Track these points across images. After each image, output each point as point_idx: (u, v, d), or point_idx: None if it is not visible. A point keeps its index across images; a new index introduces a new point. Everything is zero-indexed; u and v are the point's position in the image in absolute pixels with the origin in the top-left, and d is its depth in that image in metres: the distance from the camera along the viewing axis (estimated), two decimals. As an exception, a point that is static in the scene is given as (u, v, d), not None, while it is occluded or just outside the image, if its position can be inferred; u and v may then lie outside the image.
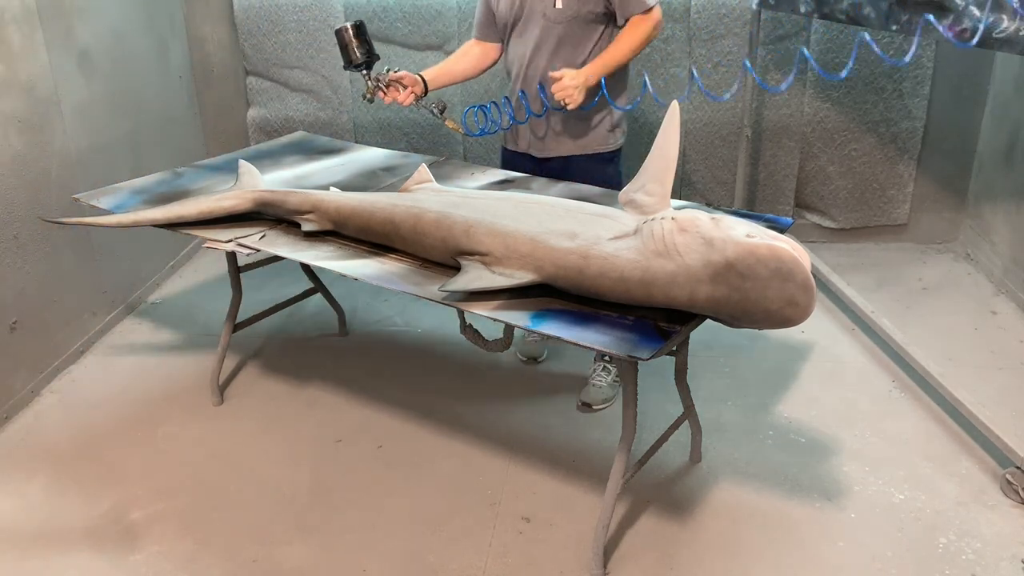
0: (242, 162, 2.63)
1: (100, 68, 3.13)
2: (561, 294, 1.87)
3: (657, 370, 2.65)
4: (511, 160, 2.68)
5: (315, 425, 2.59)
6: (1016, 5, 1.84)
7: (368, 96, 2.52)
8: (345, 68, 2.52)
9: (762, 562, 2.02)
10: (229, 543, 2.12)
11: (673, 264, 1.72)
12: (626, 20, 2.36)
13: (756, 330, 2.22)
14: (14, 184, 2.67)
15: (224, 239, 2.26)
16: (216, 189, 2.54)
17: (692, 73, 2.35)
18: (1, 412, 2.63)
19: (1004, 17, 2.01)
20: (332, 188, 2.43)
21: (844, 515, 2.16)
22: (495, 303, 1.84)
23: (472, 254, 1.95)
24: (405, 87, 2.53)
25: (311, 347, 3.08)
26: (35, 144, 2.76)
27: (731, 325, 1.77)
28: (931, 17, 2.10)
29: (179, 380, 2.85)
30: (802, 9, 2.92)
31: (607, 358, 2.68)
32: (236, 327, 2.71)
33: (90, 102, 3.07)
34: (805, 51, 2.20)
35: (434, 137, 3.82)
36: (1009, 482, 2.21)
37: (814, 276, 1.67)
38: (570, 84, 2.28)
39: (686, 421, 2.28)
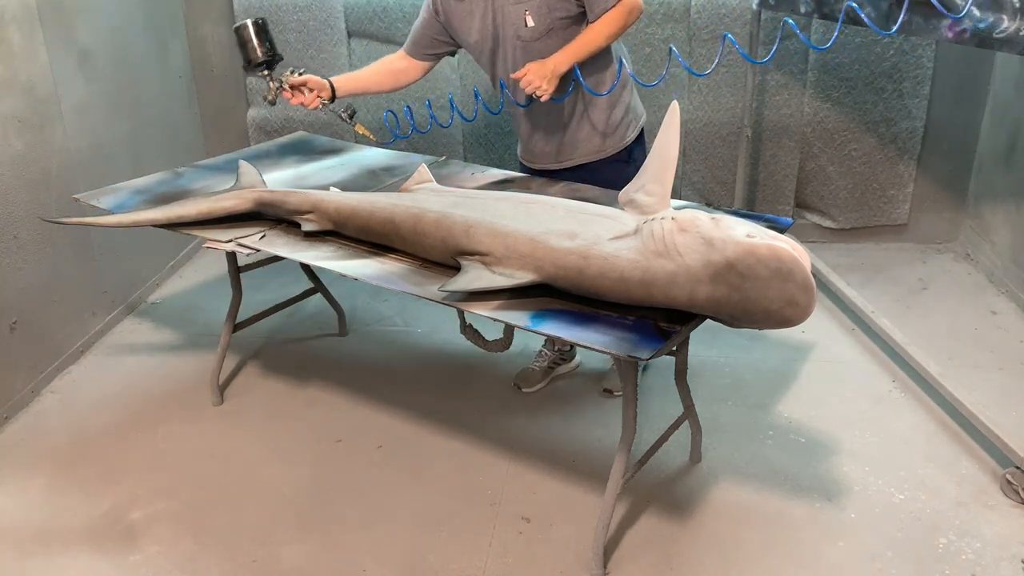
0: (242, 162, 2.63)
1: (100, 68, 3.13)
2: (561, 294, 1.87)
3: (657, 370, 2.65)
4: (526, 173, 2.62)
5: (315, 425, 2.60)
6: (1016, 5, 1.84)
7: (270, 98, 2.46)
8: (244, 69, 2.45)
9: (762, 562, 2.02)
10: (229, 543, 2.12)
11: (673, 264, 1.72)
12: (597, 18, 2.28)
13: (756, 330, 2.21)
14: (14, 184, 2.67)
15: (224, 239, 2.26)
16: (216, 189, 2.54)
17: (671, 50, 2.31)
18: (1, 412, 2.63)
19: (1004, 17, 2.01)
20: (332, 188, 2.43)
21: (844, 515, 2.16)
22: (495, 303, 1.84)
23: (472, 254, 1.95)
24: (311, 91, 2.49)
25: (311, 347, 3.08)
26: (35, 144, 2.76)
27: (731, 325, 1.77)
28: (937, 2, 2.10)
29: (179, 380, 2.85)
30: (802, 9, 2.92)
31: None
32: (236, 327, 2.71)
33: (90, 102, 3.07)
34: (790, 22, 2.20)
35: (434, 137, 3.82)
36: (1009, 482, 2.21)
37: (814, 276, 1.67)
38: (536, 75, 2.20)
39: (686, 421, 2.28)
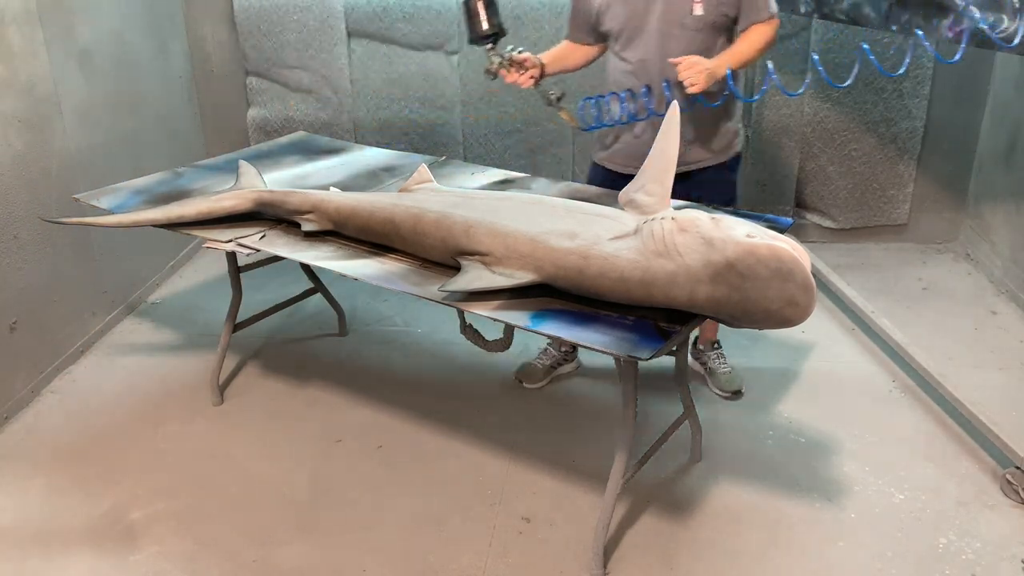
0: (242, 162, 2.63)
1: (100, 68, 3.13)
2: (561, 294, 1.87)
3: (657, 370, 2.65)
4: (607, 179, 2.51)
5: (315, 425, 2.59)
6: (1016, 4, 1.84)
7: (492, 72, 2.36)
8: (470, 42, 2.35)
9: (762, 562, 2.02)
10: (229, 543, 2.12)
11: (673, 264, 1.72)
12: (745, 28, 2.30)
13: (756, 330, 2.21)
14: (14, 184, 2.67)
15: (224, 239, 2.26)
16: (216, 189, 2.54)
17: (768, 69, 2.27)
18: (1, 412, 2.63)
19: (1004, 17, 2.01)
20: (332, 188, 2.43)
21: (844, 515, 2.16)
22: (495, 303, 1.84)
23: (472, 254, 1.95)
24: (526, 69, 2.38)
25: (311, 347, 3.08)
26: (35, 144, 2.76)
27: (731, 325, 1.77)
28: (920, 33, 2.17)
29: (179, 380, 2.85)
30: (802, 9, 2.92)
31: (716, 343, 2.75)
32: (236, 327, 2.71)
33: (90, 102, 3.07)
34: (815, 57, 2.20)
35: (434, 137, 3.82)
36: (1009, 482, 2.21)
37: (814, 276, 1.67)
38: (693, 68, 2.17)
39: (686, 421, 2.28)
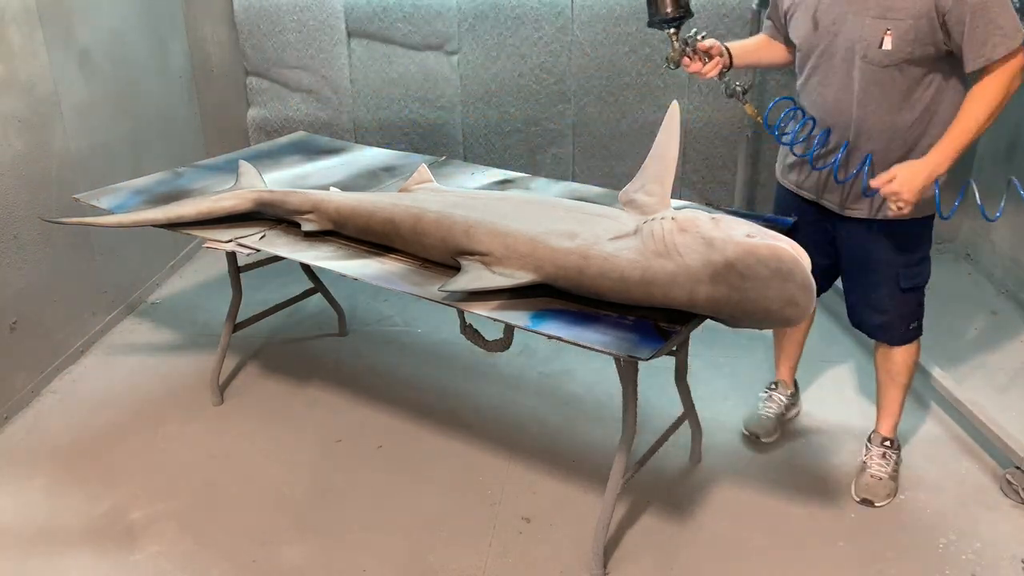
0: (242, 162, 2.63)
1: (100, 68, 3.13)
2: (561, 294, 1.87)
3: (657, 370, 2.65)
4: (791, 203, 2.20)
5: (315, 425, 2.59)
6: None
7: (673, 60, 2.07)
8: (650, 24, 2.03)
9: (762, 562, 2.02)
10: (229, 543, 2.12)
11: (673, 264, 1.72)
12: (979, 68, 1.79)
13: (756, 330, 2.21)
14: (14, 184, 2.67)
15: (224, 239, 2.26)
16: (216, 189, 2.54)
17: (1016, 184, 1.92)
18: (1, 412, 2.63)
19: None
20: (332, 188, 2.43)
21: (844, 515, 2.16)
22: (495, 303, 1.84)
23: (472, 254, 1.95)
24: (711, 57, 2.07)
25: (311, 347, 3.08)
26: (35, 144, 2.76)
27: (731, 325, 1.77)
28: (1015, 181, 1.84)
29: (179, 380, 2.85)
30: None
31: (888, 443, 2.27)
32: (236, 327, 2.71)
33: (90, 102, 3.07)
34: (1017, 184, 1.87)
35: (434, 137, 3.82)
36: (1009, 482, 2.21)
37: (814, 276, 1.67)
38: (906, 186, 1.81)
39: (686, 421, 2.28)
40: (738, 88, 2.10)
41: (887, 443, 2.27)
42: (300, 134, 3.24)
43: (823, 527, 2.12)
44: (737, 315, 1.71)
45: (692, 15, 2.01)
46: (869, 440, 2.31)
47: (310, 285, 3.01)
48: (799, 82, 2.10)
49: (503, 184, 2.53)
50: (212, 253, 3.78)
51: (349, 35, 3.71)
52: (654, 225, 1.79)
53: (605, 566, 2.00)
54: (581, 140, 3.74)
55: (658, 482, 2.29)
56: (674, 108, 2.01)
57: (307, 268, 2.92)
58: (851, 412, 2.58)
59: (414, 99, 3.76)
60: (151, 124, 3.49)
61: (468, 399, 2.71)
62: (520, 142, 3.78)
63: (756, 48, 2.20)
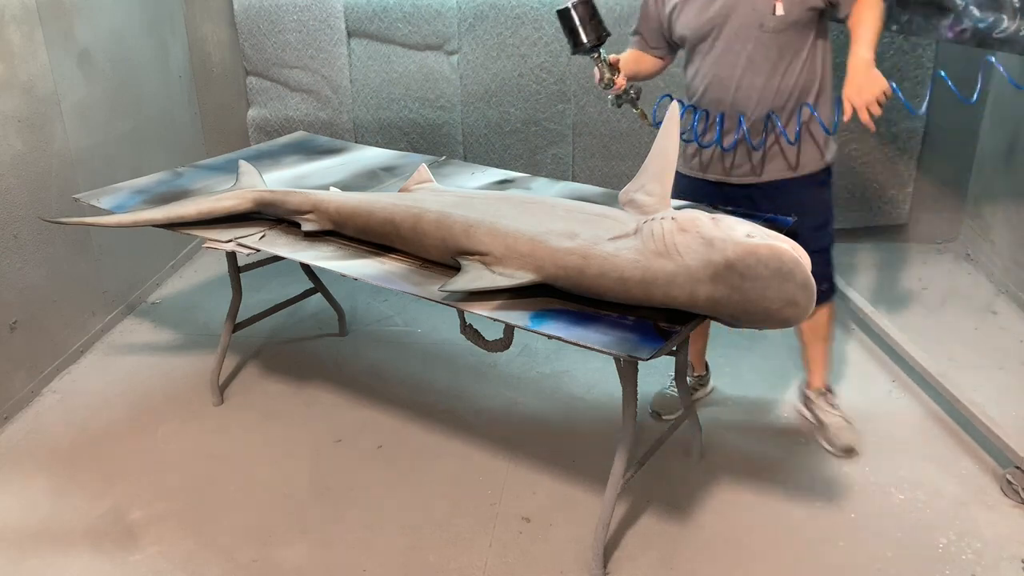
0: (242, 162, 2.63)
1: (100, 68, 3.13)
2: (561, 294, 1.87)
3: (657, 370, 2.65)
4: (690, 188, 2.32)
5: (315, 425, 2.59)
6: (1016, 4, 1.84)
7: (608, 80, 2.14)
8: (573, 54, 2.15)
9: (762, 562, 2.02)
10: (229, 543, 2.12)
11: (673, 264, 1.72)
12: (849, 12, 2.09)
13: (756, 330, 2.21)
14: (14, 184, 2.67)
15: (224, 239, 2.26)
16: (216, 189, 2.54)
17: (943, 76, 2.09)
18: (1, 412, 2.63)
19: (1004, 17, 2.01)
20: (332, 188, 2.43)
21: (844, 515, 2.16)
22: (495, 303, 1.84)
23: (472, 254, 1.95)
24: (618, 71, 2.17)
25: (311, 347, 3.08)
26: (35, 144, 2.76)
27: (731, 325, 1.77)
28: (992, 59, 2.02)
29: (179, 380, 2.85)
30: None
31: (828, 390, 2.49)
32: (236, 327, 2.71)
33: (90, 102, 3.07)
34: (943, 74, 2.07)
35: (434, 137, 3.82)
36: (1009, 482, 2.21)
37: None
38: (866, 94, 1.97)
39: (686, 421, 2.28)
40: (632, 94, 2.20)
41: (828, 390, 2.51)
42: (300, 134, 3.24)
43: (823, 527, 2.12)
44: (737, 315, 1.71)
45: (609, 34, 2.11)
46: (808, 398, 2.51)
47: (310, 285, 3.01)
48: (690, 73, 2.24)
49: (503, 184, 2.53)
50: (212, 253, 3.79)
51: (349, 35, 3.71)
52: (654, 225, 1.79)
53: (605, 566, 2.00)
54: (581, 140, 3.74)
55: (658, 482, 2.29)
56: (674, 108, 2.01)
57: (307, 268, 2.92)
58: (851, 411, 2.58)
59: (414, 99, 3.76)
60: (151, 124, 3.49)
61: (468, 399, 2.71)
62: (520, 142, 3.78)
63: (635, 61, 2.32)
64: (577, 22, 2.07)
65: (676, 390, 2.49)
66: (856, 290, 3.18)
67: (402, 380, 2.84)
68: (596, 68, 2.16)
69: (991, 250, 3.47)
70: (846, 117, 2.01)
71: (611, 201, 2.11)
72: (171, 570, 2.04)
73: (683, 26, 2.18)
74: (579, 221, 1.90)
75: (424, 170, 2.35)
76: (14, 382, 2.69)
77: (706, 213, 1.81)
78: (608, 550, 2.04)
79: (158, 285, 3.59)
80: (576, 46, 2.11)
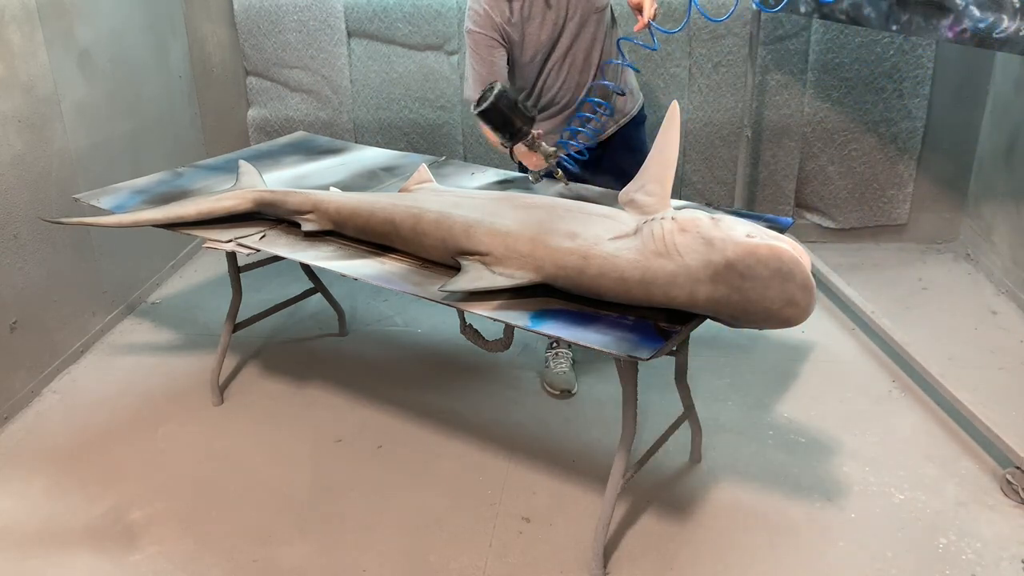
0: (242, 162, 2.63)
1: (100, 68, 3.13)
2: (561, 294, 1.87)
3: (657, 370, 2.65)
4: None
5: (315, 425, 2.59)
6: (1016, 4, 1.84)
7: (551, 163, 2.27)
8: (512, 144, 2.20)
9: (762, 562, 2.02)
10: (229, 543, 2.12)
11: (673, 264, 1.72)
12: None
13: (756, 330, 2.21)
14: (14, 184, 2.67)
15: (224, 239, 2.26)
16: (216, 189, 2.54)
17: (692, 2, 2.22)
18: (1, 412, 2.63)
19: (1004, 17, 2.01)
20: (332, 188, 2.43)
21: (844, 515, 2.16)
22: (495, 303, 1.85)
23: (472, 254, 1.95)
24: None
25: (311, 347, 3.08)
26: (35, 144, 2.76)
27: (731, 325, 1.77)
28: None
29: (179, 380, 2.85)
30: (802, 9, 2.92)
31: (555, 344, 2.76)
32: (236, 327, 2.71)
33: (90, 102, 3.07)
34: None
35: (434, 137, 3.82)
36: (1009, 482, 2.21)
37: (814, 276, 1.67)
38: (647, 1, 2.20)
39: (686, 421, 2.28)
40: (552, 152, 2.29)
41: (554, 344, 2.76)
42: (300, 134, 3.24)
43: (823, 527, 2.12)
44: (737, 315, 1.71)
45: (535, 116, 2.17)
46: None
47: (310, 285, 3.01)
48: (544, 79, 2.53)
49: (503, 184, 2.53)
50: (212, 253, 3.79)
51: (349, 35, 3.71)
52: (654, 225, 1.80)
53: (605, 566, 2.00)
54: (581, 140, 3.74)
55: (658, 482, 2.29)
56: (674, 108, 2.01)
57: (307, 268, 2.93)
58: (851, 411, 2.58)
59: (414, 99, 3.76)
60: (151, 124, 3.49)
61: (468, 399, 2.71)
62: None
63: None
64: (507, 112, 2.08)
65: (563, 366, 2.74)
66: (856, 290, 3.18)
67: (402, 380, 2.84)
68: (535, 152, 2.24)
69: (991, 250, 3.47)
70: (644, 16, 2.21)
71: (611, 201, 2.11)
72: (171, 570, 2.04)
73: (533, 36, 2.45)
74: (579, 221, 1.90)
75: (424, 170, 2.35)
76: (14, 382, 2.69)
77: (706, 213, 1.81)
78: (608, 550, 2.04)
79: (158, 285, 3.59)
80: (514, 136, 2.13)
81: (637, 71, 2.47)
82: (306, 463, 2.42)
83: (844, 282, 3.25)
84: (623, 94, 2.55)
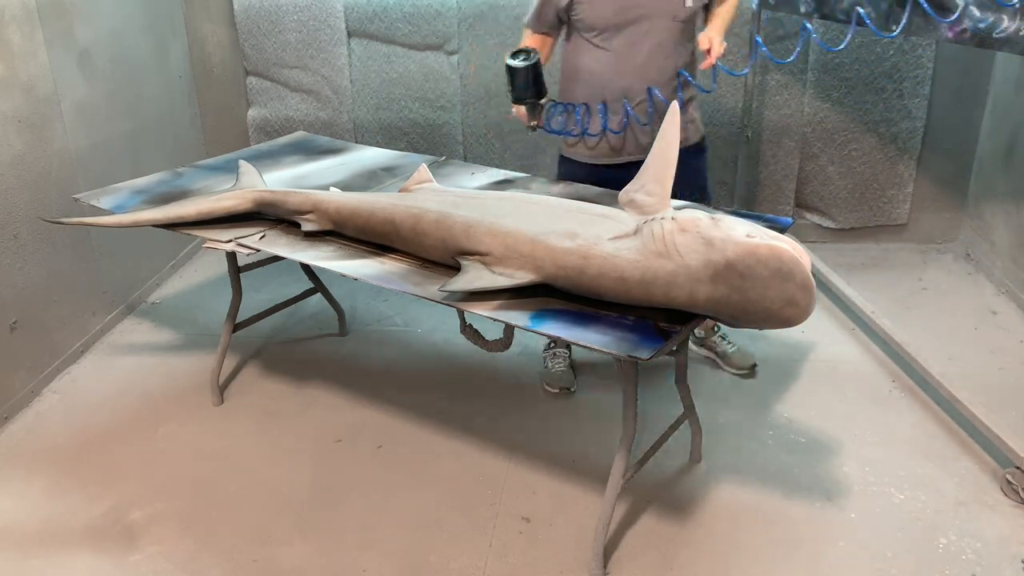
0: (242, 162, 2.63)
1: (100, 68, 3.13)
2: (561, 294, 1.87)
3: (657, 370, 2.65)
4: (576, 172, 2.58)
5: (315, 425, 2.59)
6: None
7: (535, 124, 2.45)
8: (524, 100, 2.41)
9: (762, 562, 2.02)
10: (229, 543, 2.12)
11: (673, 264, 1.72)
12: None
13: (756, 330, 2.21)
14: (14, 184, 2.67)
15: (224, 239, 2.26)
16: (216, 189, 2.54)
17: (757, 41, 2.49)
18: (1, 412, 2.63)
19: (1004, 17, 2.02)
20: (332, 188, 2.43)
21: (844, 515, 2.16)
22: (495, 303, 1.85)
23: (472, 254, 1.95)
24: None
25: (311, 347, 3.08)
26: (35, 144, 2.76)
27: (731, 325, 1.77)
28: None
29: (179, 380, 2.85)
30: (802, 9, 2.92)
31: (716, 327, 2.81)
32: (236, 327, 2.71)
33: (90, 102, 3.07)
34: (758, 39, 2.49)
35: (434, 137, 3.82)
36: (1009, 482, 2.21)
37: (814, 276, 1.67)
38: (718, 43, 2.34)
39: (686, 421, 2.28)
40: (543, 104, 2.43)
41: (714, 329, 2.83)
42: (300, 134, 3.24)
43: (823, 527, 2.12)
44: (737, 315, 1.71)
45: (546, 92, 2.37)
46: (704, 340, 2.84)
47: (310, 285, 3.01)
48: (583, 59, 2.47)
49: (503, 184, 2.53)
50: (212, 253, 3.79)
51: (349, 35, 3.71)
52: (654, 225, 1.80)
53: (605, 566, 2.00)
54: (581, 140, 3.73)
55: (658, 482, 2.29)
56: (674, 108, 2.01)
57: (307, 268, 2.93)
58: (851, 411, 2.58)
59: (414, 99, 3.76)
60: (151, 124, 3.49)
61: (468, 399, 2.71)
62: (520, 142, 3.78)
63: (541, 46, 2.52)
64: (535, 76, 2.31)
65: (560, 364, 2.76)
66: (856, 290, 3.18)
67: (402, 380, 2.84)
68: (536, 113, 2.41)
69: (991, 250, 3.47)
70: (711, 55, 2.34)
71: (611, 201, 2.11)
72: (171, 570, 2.04)
73: (591, 16, 2.40)
74: (579, 221, 1.90)
75: (424, 170, 2.35)
76: (14, 382, 2.69)
77: (706, 213, 1.81)
78: (608, 550, 2.04)
79: (158, 285, 3.59)
80: (520, 99, 2.38)
81: (706, 92, 2.50)
82: (306, 463, 2.42)
83: (844, 282, 3.25)
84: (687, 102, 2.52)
